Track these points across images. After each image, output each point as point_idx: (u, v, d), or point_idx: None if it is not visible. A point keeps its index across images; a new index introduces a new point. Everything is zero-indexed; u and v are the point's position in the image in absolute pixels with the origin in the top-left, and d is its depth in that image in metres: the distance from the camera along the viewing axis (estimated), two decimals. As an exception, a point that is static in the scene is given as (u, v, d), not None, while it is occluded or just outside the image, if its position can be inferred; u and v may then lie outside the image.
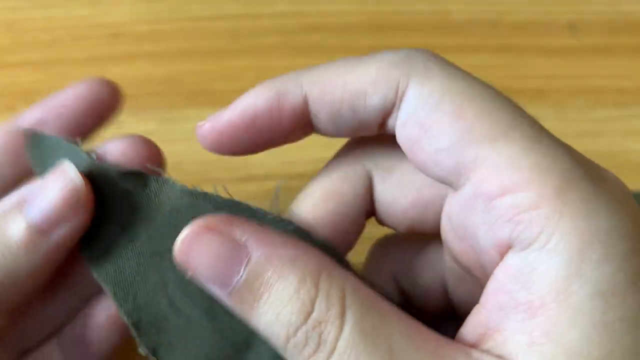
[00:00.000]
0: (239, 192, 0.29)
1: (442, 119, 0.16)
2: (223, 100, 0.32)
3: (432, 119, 0.16)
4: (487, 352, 0.15)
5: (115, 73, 0.33)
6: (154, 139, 0.30)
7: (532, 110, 0.31)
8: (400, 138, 0.17)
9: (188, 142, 0.31)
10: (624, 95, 0.32)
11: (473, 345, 0.15)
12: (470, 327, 0.16)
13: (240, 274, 0.16)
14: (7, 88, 0.33)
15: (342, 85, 0.18)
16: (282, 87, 0.18)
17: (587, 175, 0.15)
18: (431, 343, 0.15)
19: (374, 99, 0.17)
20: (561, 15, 0.35)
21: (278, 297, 0.15)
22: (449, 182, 0.17)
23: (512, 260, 0.15)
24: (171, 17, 0.35)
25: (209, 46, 0.34)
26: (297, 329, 0.15)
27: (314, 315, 0.15)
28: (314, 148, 0.31)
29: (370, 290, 0.16)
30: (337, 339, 0.15)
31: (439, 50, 0.34)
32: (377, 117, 0.18)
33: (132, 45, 0.34)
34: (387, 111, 0.17)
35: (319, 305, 0.15)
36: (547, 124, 0.31)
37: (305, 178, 0.30)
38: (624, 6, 0.35)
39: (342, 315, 0.15)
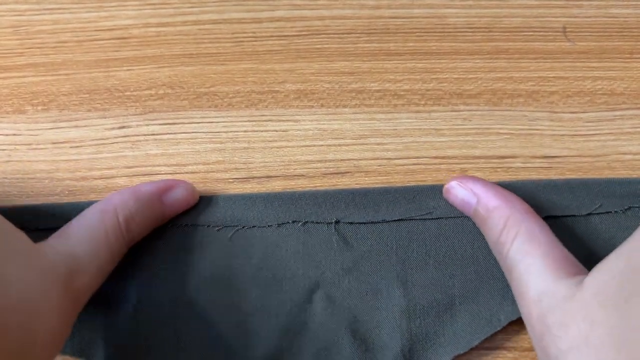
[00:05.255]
0: (240, 193, 0.30)
1: None
2: (225, 102, 0.33)
3: None
4: None
5: (121, 75, 0.33)
6: (159, 141, 0.31)
7: (526, 112, 0.32)
8: None
9: (192, 144, 0.31)
10: (616, 97, 0.33)
11: None
12: None
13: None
14: (14, 90, 0.33)
15: None
16: None
17: None
18: None
19: None
20: (554, 19, 0.35)
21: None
22: None
23: None
24: (176, 21, 0.35)
25: (213, 50, 0.34)
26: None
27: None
28: (314, 149, 0.31)
29: None
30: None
31: (435, 54, 0.35)
32: None
33: (137, 49, 0.34)
34: None
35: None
36: (541, 125, 0.32)
37: (306, 178, 0.30)
38: (615, 10, 0.35)
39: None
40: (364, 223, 0.28)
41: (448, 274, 0.27)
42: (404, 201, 0.29)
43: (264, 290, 0.27)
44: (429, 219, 0.28)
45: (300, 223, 0.28)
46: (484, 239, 0.27)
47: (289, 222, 0.28)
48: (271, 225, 0.28)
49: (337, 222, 0.28)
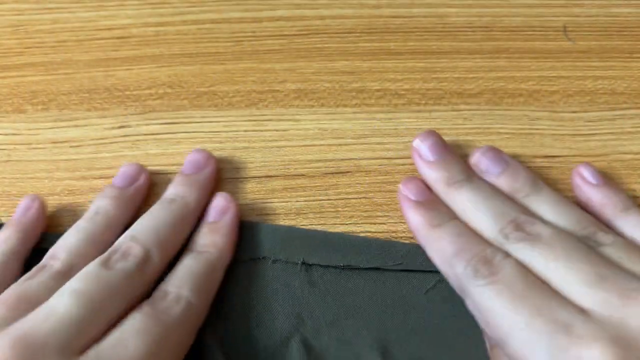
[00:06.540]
0: (240, 192, 0.30)
1: None
2: (225, 101, 0.33)
3: None
4: None
5: (120, 75, 0.33)
6: (159, 140, 0.31)
7: (527, 111, 0.32)
8: None
9: (192, 143, 0.31)
10: (616, 97, 0.33)
11: None
12: None
13: None
14: (14, 89, 0.33)
15: None
16: None
17: None
18: None
19: None
20: (555, 18, 0.35)
21: None
22: None
23: None
24: (175, 21, 0.35)
25: (212, 49, 0.34)
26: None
27: None
28: (314, 148, 0.31)
29: None
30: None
31: (435, 53, 0.35)
32: None
33: (136, 48, 0.34)
34: None
35: None
36: (542, 124, 0.32)
37: (306, 178, 0.30)
38: (616, 9, 0.35)
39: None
40: (334, 267, 0.27)
41: (431, 351, 0.25)
42: (375, 249, 0.28)
43: (254, 322, 0.26)
44: (400, 271, 0.27)
45: (271, 261, 0.27)
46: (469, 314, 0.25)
47: (258, 258, 0.27)
48: (246, 261, 0.27)
49: (304, 263, 0.27)
